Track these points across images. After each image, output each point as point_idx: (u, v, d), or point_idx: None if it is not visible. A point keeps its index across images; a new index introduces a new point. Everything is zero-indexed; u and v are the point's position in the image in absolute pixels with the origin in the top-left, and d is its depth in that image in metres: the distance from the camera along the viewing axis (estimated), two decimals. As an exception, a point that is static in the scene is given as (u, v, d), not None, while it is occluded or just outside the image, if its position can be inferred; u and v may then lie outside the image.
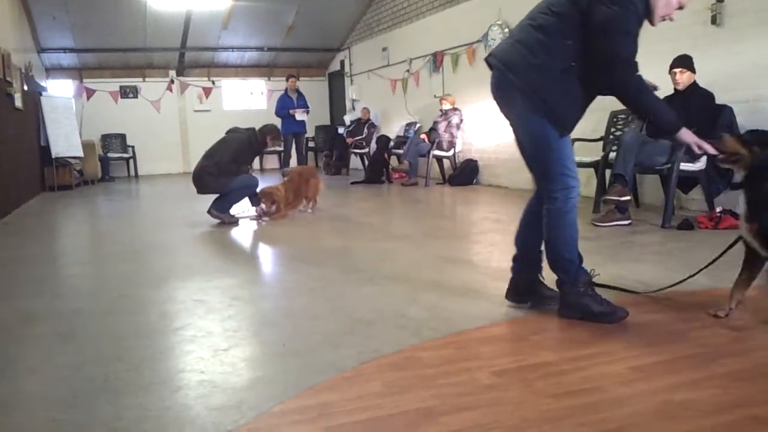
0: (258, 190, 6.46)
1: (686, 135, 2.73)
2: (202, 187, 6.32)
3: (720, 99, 5.26)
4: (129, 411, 2.05)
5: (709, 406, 1.94)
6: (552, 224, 2.77)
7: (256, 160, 10.07)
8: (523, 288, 3.02)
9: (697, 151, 2.76)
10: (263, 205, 6.45)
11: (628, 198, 5.20)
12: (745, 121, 5.29)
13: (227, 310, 3.21)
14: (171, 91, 14.18)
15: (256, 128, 6.48)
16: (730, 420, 1.84)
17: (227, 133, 6.54)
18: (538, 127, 2.70)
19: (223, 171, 6.16)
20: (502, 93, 2.78)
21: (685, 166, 5.16)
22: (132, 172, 13.69)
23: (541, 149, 2.75)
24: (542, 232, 2.85)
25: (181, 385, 2.27)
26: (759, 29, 5.25)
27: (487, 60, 2.85)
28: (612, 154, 5.56)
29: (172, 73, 14.17)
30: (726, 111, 5.25)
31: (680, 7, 2.69)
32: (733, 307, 2.72)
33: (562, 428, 1.83)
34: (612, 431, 1.80)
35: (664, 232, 4.96)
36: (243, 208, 6.60)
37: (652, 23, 2.71)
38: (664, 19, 2.71)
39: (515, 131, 2.82)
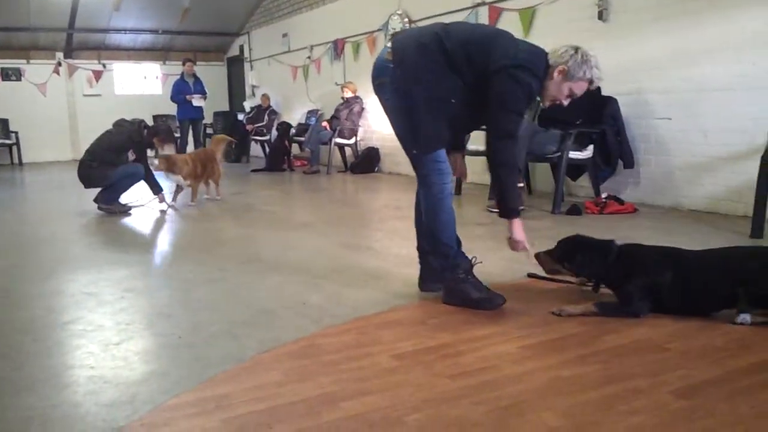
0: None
1: (516, 226, 2.82)
2: (85, 180, 6.06)
3: (606, 91, 5.54)
4: (13, 412, 1.94)
5: (594, 380, 2.05)
6: (430, 210, 2.85)
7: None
8: (434, 275, 3.02)
9: (513, 245, 2.87)
10: (159, 165, 6.25)
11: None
12: (628, 112, 5.61)
13: (119, 302, 3.09)
14: (58, 74, 13.38)
15: (146, 122, 6.23)
16: (613, 392, 1.96)
17: (113, 125, 6.24)
18: (402, 126, 2.83)
19: (103, 161, 5.90)
20: (381, 78, 2.84)
21: (573, 154, 5.42)
22: (16, 160, 12.85)
23: (407, 142, 2.84)
24: None
25: (69, 382, 2.17)
26: (641, 26, 5.57)
27: (393, 37, 2.93)
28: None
29: (60, 55, 13.37)
30: (611, 102, 5.55)
31: (570, 96, 2.79)
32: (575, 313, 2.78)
33: (459, 407, 1.89)
34: (506, 408, 1.88)
35: (554, 217, 5.19)
36: (135, 196, 6.35)
37: (542, 103, 2.87)
38: (553, 102, 2.82)
39: (386, 115, 2.92)
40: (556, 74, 2.72)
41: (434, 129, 2.76)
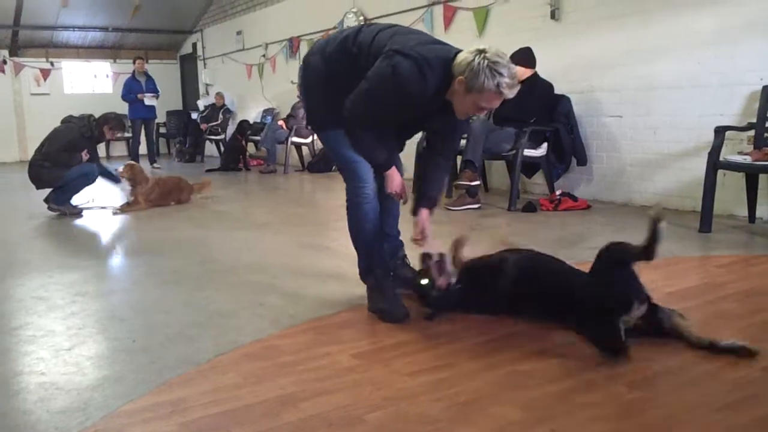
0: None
1: (391, 177, 2.69)
2: (37, 181, 5.90)
3: (559, 89, 5.64)
4: (-43, 422, 1.87)
5: (551, 374, 2.08)
6: (349, 216, 2.80)
7: (102, 146, 9.44)
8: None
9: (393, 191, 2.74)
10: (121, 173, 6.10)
11: (477, 183, 5.45)
12: (581, 110, 5.71)
13: (71, 306, 3.01)
14: (3, 72, 12.98)
15: (94, 115, 6.06)
16: (570, 385, 1.99)
17: (62, 122, 6.07)
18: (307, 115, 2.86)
19: (56, 162, 5.75)
20: (298, 81, 2.91)
21: (528, 152, 5.49)
22: (-41, 161, 12.44)
23: (323, 142, 2.83)
24: (395, 211, 2.95)
25: (18, 389, 2.10)
26: (592, 25, 5.67)
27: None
28: (462, 142, 5.79)
29: (5, 52, 12.97)
30: (564, 101, 5.64)
31: (481, 109, 2.50)
32: None
33: (418, 404, 1.89)
34: (465, 403, 1.89)
35: (510, 214, 5.25)
36: (87, 198, 6.20)
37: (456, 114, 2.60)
38: (466, 116, 2.60)
39: None
40: (456, 86, 2.42)
41: (326, 105, 2.67)
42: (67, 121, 6.02)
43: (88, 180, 5.92)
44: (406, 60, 2.38)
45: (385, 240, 2.99)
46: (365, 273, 2.85)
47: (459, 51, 2.48)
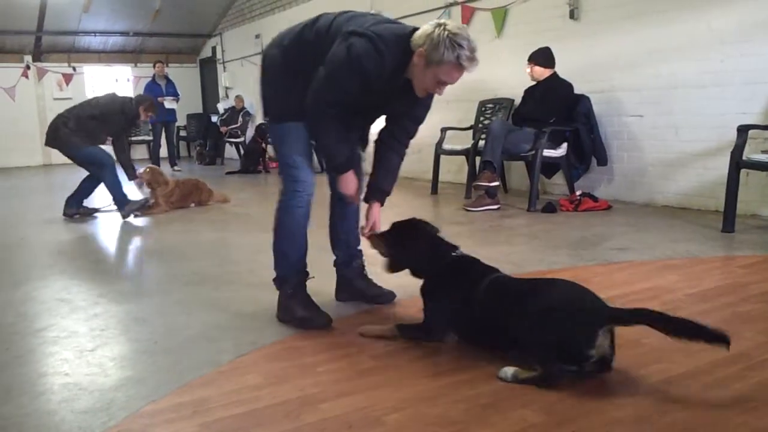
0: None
1: (345, 180, 2.64)
2: (52, 137, 5.75)
3: (579, 89, 5.59)
4: (-17, 422, 1.90)
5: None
6: (277, 217, 2.70)
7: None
8: (349, 284, 2.99)
9: (346, 193, 2.68)
10: (142, 182, 6.15)
11: (496, 183, 5.42)
12: (601, 110, 5.66)
13: (93, 308, 3.04)
14: (27, 77, 13.18)
15: (132, 97, 6.13)
16: (592, 387, 1.97)
17: (103, 96, 6.14)
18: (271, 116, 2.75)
19: (79, 126, 5.66)
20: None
21: (547, 152, 5.46)
22: (-17, 165, 12.64)
23: (272, 134, 2.78)
24: (352, 218, 2.88)
25: (43, 389, 2.13)
26: (611, 24, 5.63)
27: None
28: (481, 143, 5.78)
29: (28, 58, 13.17)
30: (584, 101, 5.59)
31: (441, 83, 2.41)
32: None
33: (438, 406, 1.89)
34: (486, 405, 1.88)
35: (530, 215, 5.22)
36: (107, 201, 6.26)
37: (416, 92, 2.50)
38: (426, 92, 2.49)
39: None
40: (416, 59, 2.36)
41: (287, 95, 2.59)
42: (110, 96, 6.12)
43: (101, 169, 5.73)
44: (360, 39, 2.36)
45: (339, 247, 2.97)
46: (281, 280, 2.74)
47: (416, 28, 2.43)
